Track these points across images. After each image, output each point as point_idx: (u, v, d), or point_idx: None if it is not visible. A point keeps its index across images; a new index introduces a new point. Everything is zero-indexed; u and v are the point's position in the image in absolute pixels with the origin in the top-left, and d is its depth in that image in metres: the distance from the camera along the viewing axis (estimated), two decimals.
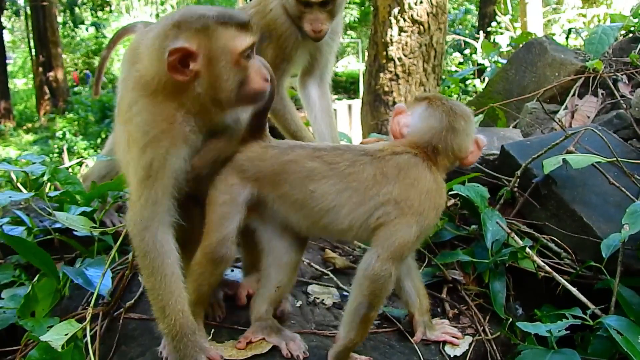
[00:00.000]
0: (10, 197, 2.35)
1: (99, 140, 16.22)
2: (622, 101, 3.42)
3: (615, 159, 2.50)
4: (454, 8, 21.27)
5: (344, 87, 22.64)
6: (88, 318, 1.81)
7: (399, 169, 1.76)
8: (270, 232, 1.94)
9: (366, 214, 1.76)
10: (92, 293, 2.05)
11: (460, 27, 19.51)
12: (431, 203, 1.75)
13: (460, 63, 14.59)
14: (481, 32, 14.19)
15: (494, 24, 14.15)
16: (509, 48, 10.64)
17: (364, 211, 1.76)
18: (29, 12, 21.86)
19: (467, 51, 14.49)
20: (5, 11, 22.26)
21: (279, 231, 1.93)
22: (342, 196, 1.76)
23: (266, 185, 1.83)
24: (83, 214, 2.56)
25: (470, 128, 1.88)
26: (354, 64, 20.45)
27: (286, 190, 1.81)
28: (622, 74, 3.66)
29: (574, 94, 3.51)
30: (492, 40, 13.10)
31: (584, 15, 13.22)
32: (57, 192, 2.73)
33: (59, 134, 18.38)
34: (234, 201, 1.82)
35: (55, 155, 17.81)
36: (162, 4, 28.02)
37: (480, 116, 3.53)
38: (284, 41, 2.69)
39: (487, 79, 9.29)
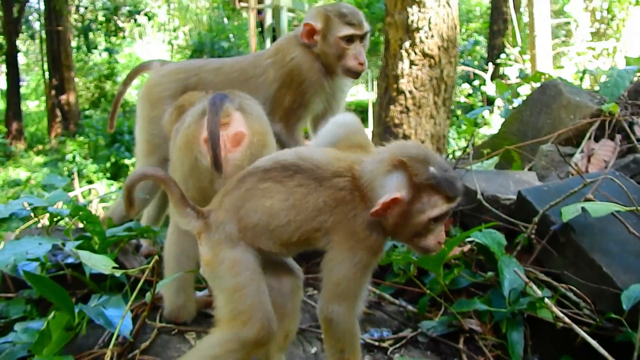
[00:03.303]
0: (40, 243, 2.29)
1: (108, 164, 16.30)
2: (638, 145, 3.40)
3: (635, 207, 2.46)
4: (463, 39, 21.45)
5: None
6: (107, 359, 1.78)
7: (337, 202, 1.71)
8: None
9: (307, 235, 1.74)
10: (107, 332, 2.02)
11: (469, 58, 19.64)
12: (358, 244, 1.69)
13: (469, 94, 14.68)
14: (490, 63, 14.28)
15: (503, 55, 14.26)
16: (518, 80, 10.69)
17: (306, 230, 1.73)
18: (44, 36, 22.21)
19: (476, 82, 14.58)
20: (21, 34, 22.64)
21: (272, 278, 1.87)
22: (291, 212, 1.73)
23: (240, 227, 1.76)
24: None
25: (377, 173, 1.75)
26: (363, 94, 20.57)
27: (251, 218, 1.75)
28: (638, 117, 3.64)
29: (589, 138, 3.49)
30: (501, 72, 13.18)
31: (593, 49, 13.29)
32: (77, 234, 2.73)
33: (69, 156, 18.46)
34: (247, 264, 1.74)
35: (65, 177, 17.90)
36: (174, 30, 28.47)
37: (496, 158, 3.52)
38: (306, 87, 2.76)
39: (496, 110, 9.34)
